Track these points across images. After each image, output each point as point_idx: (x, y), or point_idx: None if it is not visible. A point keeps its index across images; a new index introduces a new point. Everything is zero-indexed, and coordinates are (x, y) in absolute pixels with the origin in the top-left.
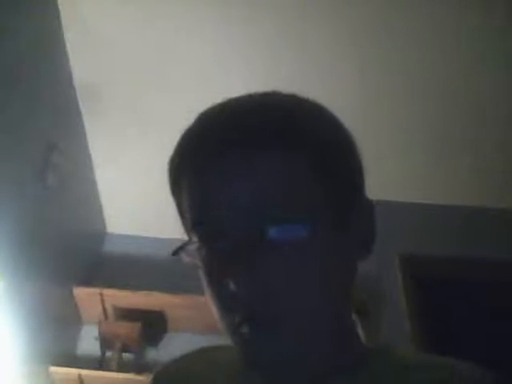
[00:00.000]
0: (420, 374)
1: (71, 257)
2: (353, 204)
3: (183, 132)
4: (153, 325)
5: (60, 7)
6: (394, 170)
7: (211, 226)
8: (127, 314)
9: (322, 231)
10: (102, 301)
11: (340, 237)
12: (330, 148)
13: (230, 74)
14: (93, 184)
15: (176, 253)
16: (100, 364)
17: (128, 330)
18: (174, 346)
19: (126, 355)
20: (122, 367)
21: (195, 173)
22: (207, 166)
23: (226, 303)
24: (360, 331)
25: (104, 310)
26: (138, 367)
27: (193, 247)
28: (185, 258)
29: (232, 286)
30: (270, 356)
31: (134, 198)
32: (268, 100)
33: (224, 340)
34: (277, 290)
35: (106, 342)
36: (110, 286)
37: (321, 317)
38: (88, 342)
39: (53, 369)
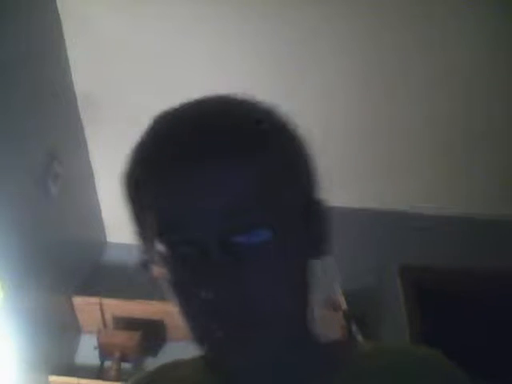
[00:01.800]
0: (384, 359)
1: (71, 266)
2: (308, 207)
3: (139, 141)
4: (152, 334)
5: (61, 15)
6: (396, 180)
7: (179, 234)
8: (126, 323)
9: (284, 234)
10: (102, 310)
11: (298, 239)
12: (285, 155)
13: (233, 80)
14: (93, 193)
15: (144, 264)
16: (99, 373)
17: (127, 339)
18: (173, 355)
19: (125, 364)
20: (121, 376)
21: (161, 182)
22: (173, 175)
23: (199, 310)
24: (360, 339)
25: (103, 319)
26: None
27: (158, 257)
28: (150, 269)
29: (204, 294)
30: (246, 358)
31: None
32: (222, 107)
33: None
34: (249, 294)
35: (104, 351)
36: (110, 295)
37: (293, 317)
38: (87, 351)
39: (52, 378)
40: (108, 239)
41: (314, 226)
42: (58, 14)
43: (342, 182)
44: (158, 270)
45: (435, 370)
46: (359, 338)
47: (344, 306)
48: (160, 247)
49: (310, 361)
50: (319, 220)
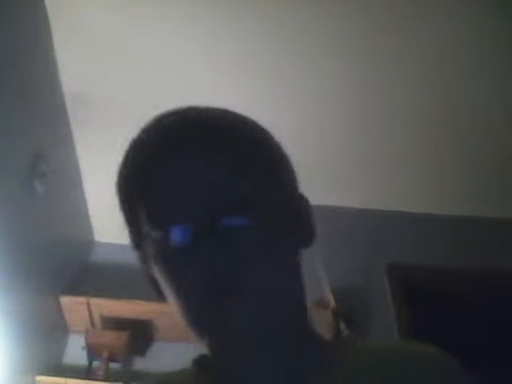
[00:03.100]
0: (385, 356)
1: (58, 265)
2: (288, 198)
3: (130, 143)
4: (140, 334)
5: (50, 15)
6: (383, 180)
7: (173, 217)
8: (114, 323)
9: (261, 221)
10: (89, 310)
11: (280, 226)
12: (265, 150)
13: (224, 80)
14: (80, 193)
15: (137, 245)
16: (87, 373)
17: (115, 339)
18: (161, 355)
19: (114, 364)
20: (109, 376)
21: (158, 170)
22: (167, 165)
23: (195, 287)
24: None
25: (91, 318)
26: (126, 376)
27: (153, 246)
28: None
29: (200, 269)
30: (245, 318)
31: None
32: (208, 110)
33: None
34: (243, 266)
35: (92, 351)
36: (97, 294)
37: (290, 297)
38: (75, 351)
39: (39, 378)
40: (96, 239)
41: (297, 216)
42: (47, 14)
43: (329, 182)
44: (154, 263)
45: (435, 365)
46: (348, 336)
47: (332, 304)
48: (155, 233)
49: (308, 356)
50: (302, 211)
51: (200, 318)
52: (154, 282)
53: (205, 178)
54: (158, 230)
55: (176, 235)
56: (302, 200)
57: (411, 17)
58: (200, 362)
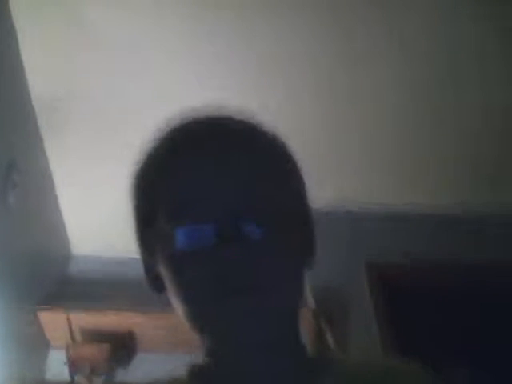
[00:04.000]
0: (367, 372)
1: (35, 279)
2: (298, 209)
3: (152, 143)
4: (122, 346)
5: (15, 20)
6: (358, 177)
7: (196, 215)
8: (95, 336)
9: (276, 228)
10: (69, 323)
11: (292, 234)
12: (285, 159)
13: (196, 84)
14: (55, 203)
15: (145, 242)
16: None
17: (97, 351)
18: (144, 366)
19: (97, 378)
20: None
21: (182, 169)
22: (192, 168)
23: (208, 278)
24: (329, 337)
25: (71, 332)
26: None
27: (168, 238)
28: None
29: (216, 262)
30: (251, 321)
31: (99, 216)
32: (229, 117)
33: (194, 358)
34: (254, 268)
35: (74, 365)
36: (77, 308)
37: (294, 298)
38: (56, 366)
39: None
40: (72, 251)
41: (306, 225)
42: (11, 17)
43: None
44: (163, 260)
45: (417, 382)
46: (329, 336)
47: (312, 305)
48: (173, 231)
49: (299, 367)
50: (308, 223)
51: (206, 317)
52: (156, 278)
53: (228, 182)
54: (178, 227)
55: (195, 234)
56: (310, 209)
57: (392, 12)
58: (193, 371)
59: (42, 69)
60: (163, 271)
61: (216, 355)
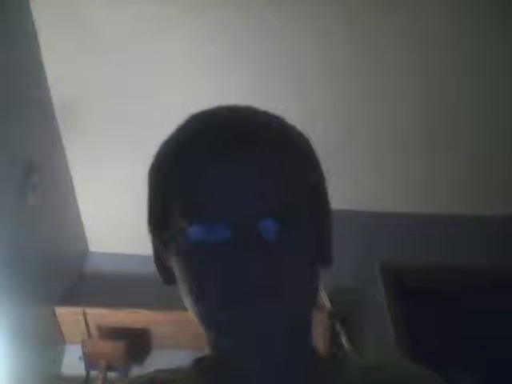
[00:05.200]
0: (380, 373)
1: (53, 276)
2: (322, 209)
3: (170, 136)
4: (137, 342)
5: (36, 22)
6: (375, 180)
7: (216, 211)
8: (111, 333)
9: (291, 231)
10: (86, 320)
11: (306, 237)
12: (312, 159)
13: (214, 85)
14: (74, 202)
15: (160, 238)
16: (85, 383)
17: (112, 348)
18: (159, 363)
19: (112, 374)
20: None
21: (202, 167)
22: (213, 162)
23: (224, 276)
24: (344, 338)
25: (88, 328)
26: None
27: (185, 233)
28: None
29: (233, 261)
30: (265, 321)
31: (116, 215)
32: (251, 109)
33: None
34: (272, 269)
35: (90, 361)
36: (93, 304)
37: (309, 299)
38: (72, 362)
39: None
40: (90, 248)
41: (320, 227)
42: (33, 21)
43: None
44: (176, 255)
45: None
46: (343, 337)
47: (328, 306)
48: (188, 224)
49: (304, 371)
50: (329, 229)
51: (218, 315)
52: (167, 271)
53: (246, 178)
54: (193, 223)
55: (210, 230)
56: (328, 208)
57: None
58: (199, 363)
59: (63, 70)
60: (176, 266)
61: (226, 352)
